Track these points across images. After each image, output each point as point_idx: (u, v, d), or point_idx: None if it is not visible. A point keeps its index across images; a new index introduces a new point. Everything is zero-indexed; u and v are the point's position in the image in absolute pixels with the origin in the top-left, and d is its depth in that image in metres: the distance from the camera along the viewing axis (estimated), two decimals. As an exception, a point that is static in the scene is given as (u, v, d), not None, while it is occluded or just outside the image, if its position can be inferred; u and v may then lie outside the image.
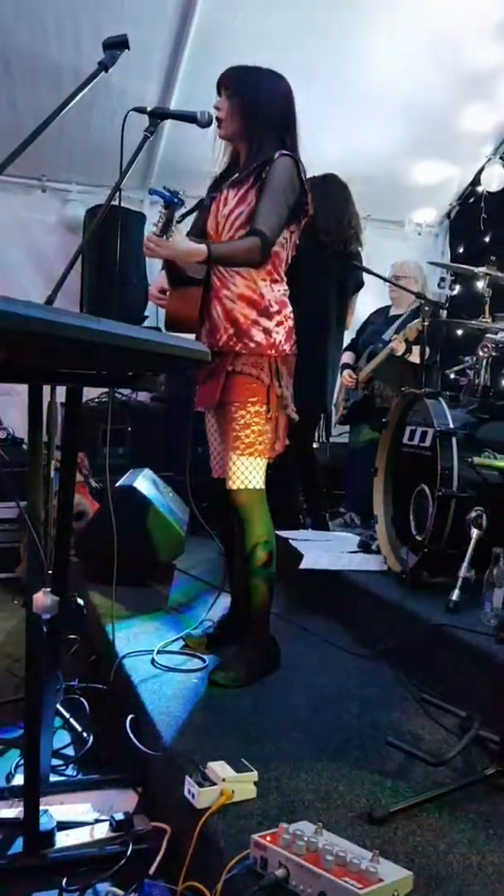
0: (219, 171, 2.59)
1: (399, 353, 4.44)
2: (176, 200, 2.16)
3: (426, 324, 3.88)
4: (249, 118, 2.43)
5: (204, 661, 2.56)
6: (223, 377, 2.46)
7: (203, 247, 2.27)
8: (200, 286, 2.49)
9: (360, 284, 4.35)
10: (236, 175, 2.50)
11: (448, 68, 4.82)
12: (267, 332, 2.45)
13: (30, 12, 4.22)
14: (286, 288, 2.52)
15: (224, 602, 2.93)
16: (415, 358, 4.28)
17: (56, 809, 1.88)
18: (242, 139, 2.48)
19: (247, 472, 2.44)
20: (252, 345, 2.44)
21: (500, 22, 4.56)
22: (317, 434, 4.63)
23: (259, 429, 2.44)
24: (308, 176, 2.51)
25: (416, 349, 4.23)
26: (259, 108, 2.43)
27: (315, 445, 4.59)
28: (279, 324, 2.47)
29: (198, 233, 2.55)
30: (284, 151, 2.41)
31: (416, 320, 4.10)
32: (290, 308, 2.52)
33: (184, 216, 2.50)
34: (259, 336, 2.44)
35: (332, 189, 3.91)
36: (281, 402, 2.48)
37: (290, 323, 2.51)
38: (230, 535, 2.68)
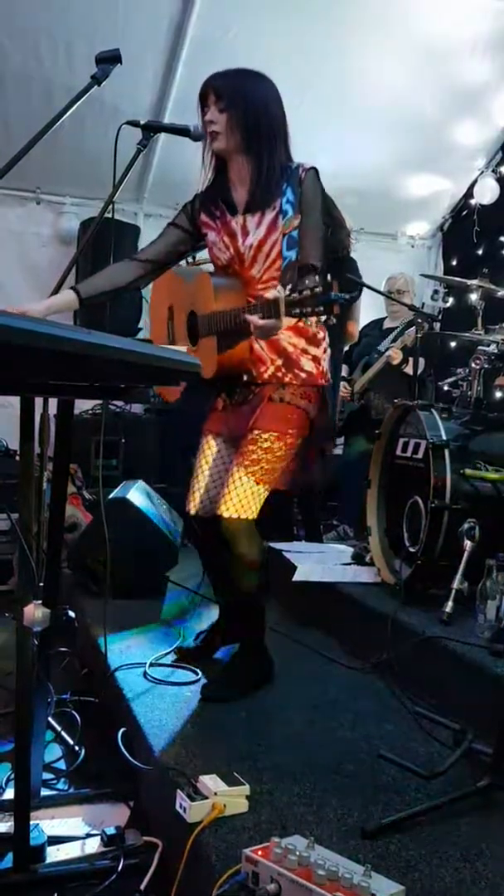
0: (204, 186, 2.46)
1: (396, 362, 4.46)
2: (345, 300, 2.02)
3: (419, 336, 3.90)
4: (252, 131, 2.29)
5: (196, 674, 2.55)
6: (264, 404, 2.35)
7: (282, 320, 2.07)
8: (213, 338, 2.36)
9: (356, 293, 4.38)
10: (249, 198, 2.34)
11: (440, 83, 4.87)
12: (316, 360, 2.37)
13: (23, 30, 4.25)
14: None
15: (212, 613, 2.93)
16: (409, 370, 4.30)
17: (47, 824, 1.87)
18: (245, 153, 2.33)
19: (247, 501, 2.32)
20: (304, 375, 2.36)
21: (490, 37, 4.61)
22: None
23: (285, 463, 2.36)
24: None
25: (410, 360, 4.25)
26: (261, 119, 2.29)
27: None
28: (325, 350, 2.41)
29: (221, 266, 2.43)
30: (306, 165, 2.32)
31: (412, 328, 4.12)
32: (327, 332, 2.42)
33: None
34: (309, 365, 2.36)
35: None
36: (322, 434, 2.42)
37: (330, 350, 2.44)
38: (211, 558, 2.63)
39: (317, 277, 2.00)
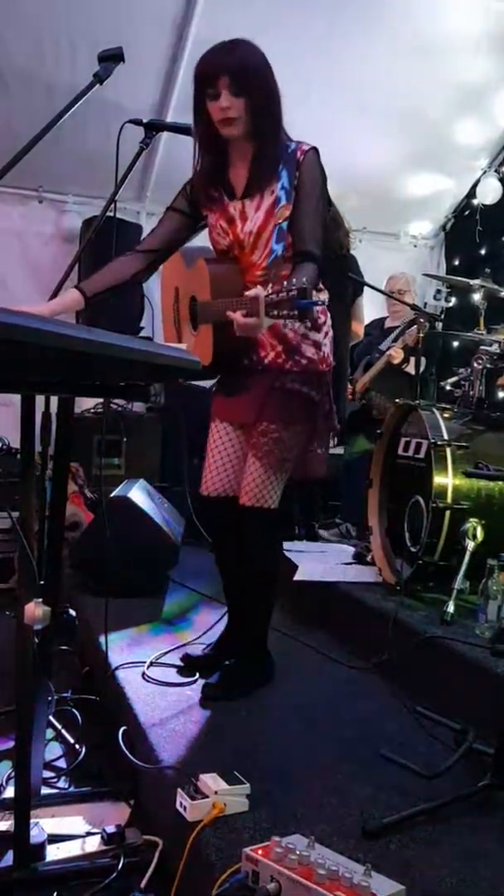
0: (199, 166, 2.34)
1: (397, 362, 4.46)
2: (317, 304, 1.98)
3: (422, 335, 3.90)
4: (262, 113, 2.19)
5: (195, 674, 2.54)
6: (266, 393, 2.33)
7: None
8: (210, 326, 2.35)
9: (357, 291, 4.38)
10: (249, 180, 2.27)
11: (442, 82, 4.86)
12: (317, 345, 2.33)
13: (26, 29, 4.26)
14: (327, 294, 2.33)
15: (215, 614, 2.92)
16: (411, 369, 4.30)
17: (47, 822, 1.86)
18: (251, 136, 2.23)
19: (266, 491, 2.33)
20: (304, 361, 2.32)
21: (494, 37, 4.60)
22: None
23: (298, 450, 2.36)
24: None
25: (412, 359, 4.25)
26: (269, 100, 2.19)
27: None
28: (326, 335, 2.37)
29: (221, 250, 2.37)
30: (304, 146, 2.24)
31: (413, 327, 4.13)
32: (330, 316, 2.39)
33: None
34: (310, 351, 2.33)
35: None
36: (328, 420, 2.40)
37: (332, 332, 2.40)
38: (224, 549, 2.59)
39: (312, 272, 1.95)
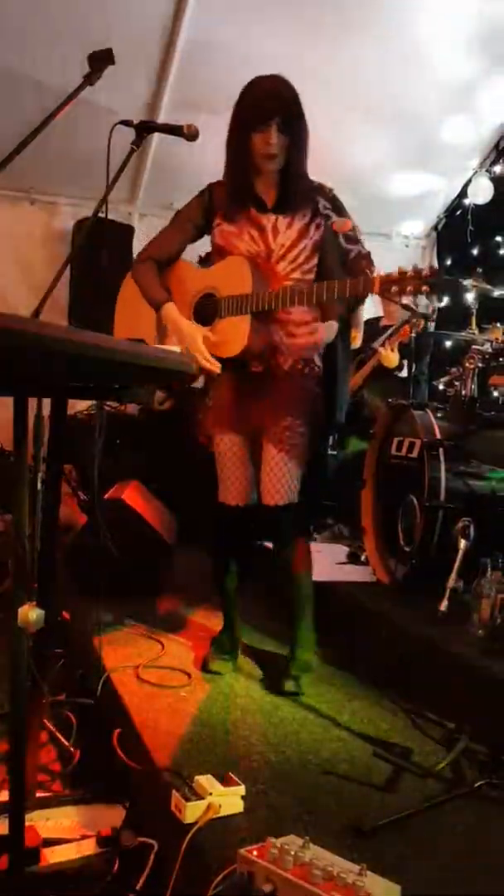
0: (225, 177, 2.52)
1: (393, 366, 4.47)
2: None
3: (413, 335, 3.91)
4: (297, 151, 2.43)
5: (189, 676, 2.54)
6: (291, 393, 2.51)
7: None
8: (244, 318, 2.44)
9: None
10: (278, 198, 2.48)
11: (434, 82, 4.86)
12: (318, 355, 2.61)
13: (15, 30, 4.24)
14: None
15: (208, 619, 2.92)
16: (404, 373, 4.31)
17: (42, 825, 1.86)
18: (281, 168, 2.45)
19: (295, 484, 2.48)
20: (316, 368, 2.59)
21: (484, 37, 4.60)
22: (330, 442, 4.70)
23: (313, 440, 2.56)
24: None
25: (405, 363, 4.26)
26: (306, 140, 2.44)
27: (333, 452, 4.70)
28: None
29: (239, 255, 2.50)
30: (325, 184, 2.52)
31: (405, 326, 4.13)
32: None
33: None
34: (317, 358, 2.59)
35: None
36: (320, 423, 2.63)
37: (343, 352, 2.71)
38: (234, 556, 2.66)
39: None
